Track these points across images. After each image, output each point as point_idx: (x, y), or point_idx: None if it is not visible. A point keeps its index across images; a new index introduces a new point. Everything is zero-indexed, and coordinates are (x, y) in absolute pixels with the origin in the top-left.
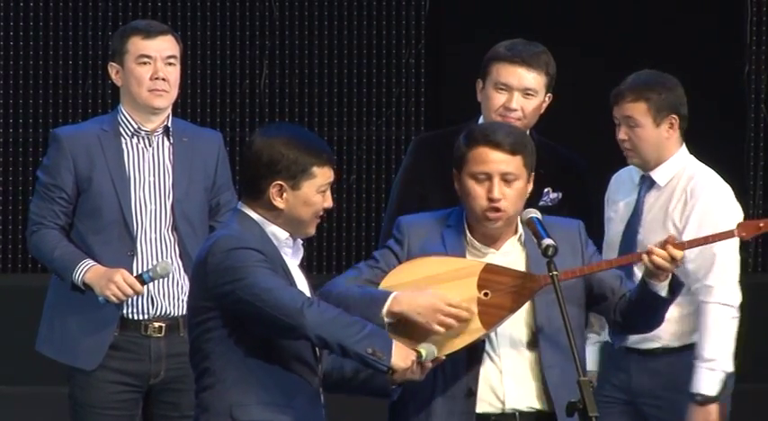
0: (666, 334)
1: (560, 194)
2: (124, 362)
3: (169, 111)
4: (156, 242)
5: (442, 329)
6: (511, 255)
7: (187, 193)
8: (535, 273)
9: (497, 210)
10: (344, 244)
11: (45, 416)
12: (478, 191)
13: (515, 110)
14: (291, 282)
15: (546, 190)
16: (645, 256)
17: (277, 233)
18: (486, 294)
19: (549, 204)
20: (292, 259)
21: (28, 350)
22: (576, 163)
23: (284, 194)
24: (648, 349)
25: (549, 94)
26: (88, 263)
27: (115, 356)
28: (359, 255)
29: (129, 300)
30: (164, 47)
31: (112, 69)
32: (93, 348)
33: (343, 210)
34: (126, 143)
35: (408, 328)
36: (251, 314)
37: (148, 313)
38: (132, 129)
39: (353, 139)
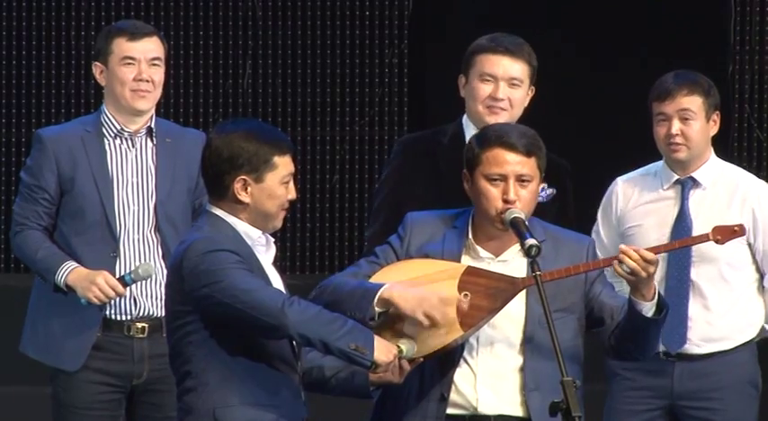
0: (717, 338)
1: (554, 190)
2: (107, 362)
3: (152, 111)
4: (138, 243)
5: (425, 319)
6: (511, 263)
7: (170, 194)
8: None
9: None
10: (327, 244)
11: (27, 416)
12: (493, 192)
13: (502, 99)
14: (267, 281)
15: (542, 185)
16: (616, 262)
17: (249, 232)
18: (465, 296)
19: (544, 200)
20: (266, 257)
21: (11, 350)
22: (562, 163)
23: (248, 188)
24: (698, 354)
25: (531, 87)
26: (71, 265)
27: (98, 357)
28: (341, 254)
29: (113, 300)
30: (148, 48)
31: (96, 69)
32: (77, 349)
33: (326, 210)
34: (109, 144)
35: (393, 324)
36: (231, 316)
37: (131, 314)
38: (115, 130)
39: (336, 139)
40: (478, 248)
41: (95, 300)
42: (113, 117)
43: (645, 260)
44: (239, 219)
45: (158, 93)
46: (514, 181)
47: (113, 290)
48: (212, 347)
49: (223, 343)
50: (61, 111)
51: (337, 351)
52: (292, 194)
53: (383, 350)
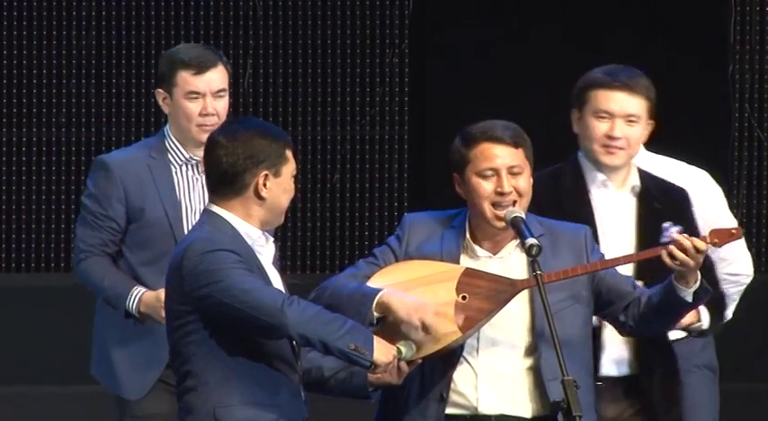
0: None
1: (681, 227)
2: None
3: None
4: None
5: (420, 325)
6: (509, 260)
7: None
8: (518, 277)
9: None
10: (327, 243)
11: (46, 415)
12: (486, 187)
13: (619, 138)
14: (267, 281)
15: (666, 225)
16: (664, 252)
17: (249, 232)
18: (464, 297)
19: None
20: (266, 256)
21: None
22: (680, 190)
23: (268, 183)
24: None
25: (650, 121)
26: (139, 290)
27: (162, 384)
28: (342, 254)
29: None
30: (213, 79)
31: (159, 96)
32: (139, 383)
33: (326, 210)
34: (176, 172)
35: (392, 327)
36: (231, 316)
37: None
38: (184, 158)
39: (337, 139)
40: (476, 247)
41: None
42: (180, 145)
43: (697, 250)
44: (247, 216)
45: (223, 121)
46: (506, 173)
47: None
48: (212, 347)
49: (223, 342)
50: (62, 111)
51: (336, 351)
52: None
53: (382, 350)
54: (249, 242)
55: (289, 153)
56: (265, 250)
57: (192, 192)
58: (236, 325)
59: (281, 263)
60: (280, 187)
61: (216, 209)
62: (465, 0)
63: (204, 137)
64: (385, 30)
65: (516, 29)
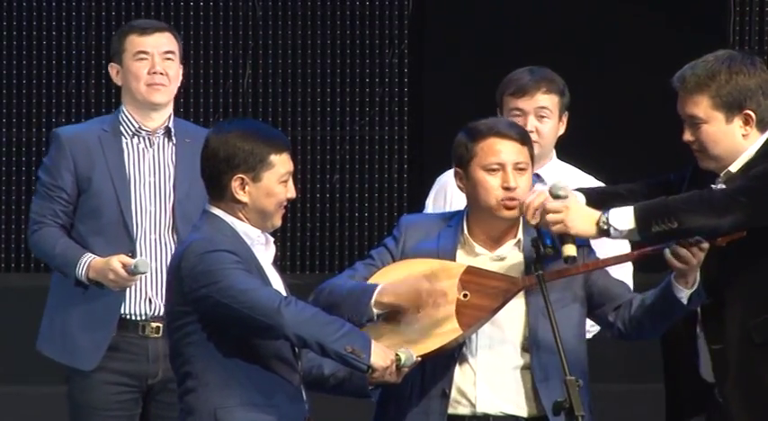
0: None
1: None
2: (123, 362)
3: (170, 111)
4: (155, 243)
5: (435, 305)
6: (506, 259)
7: (188, 195)
8: (517, 276)
9: (514, 198)
10: (327, 243)
11: (45, 416)
12: (492, 182)
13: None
14: (266, 281)
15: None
16: (667, 250)
17: (249, 232)
18: (465, 295)
19: None
20: (266, 257)
21: (26, 349)
22: None
23: (246, 187)
24: None
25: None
26: (89, 257)
27: (114, 357)
28: (342, 254)
29: (127, 300)
30: (161, 42)
31: (113, 70)
32: (92, 348)
33: (326, 210)
34: (126, 143)
35: (392, 321)
36: (229, 316)
37: (146, 314)
38: (133, 129)
39: (337, 139)
40: (474, 244)
41: (117, 289)
42: (131, 116)
43: (700, 248)
44: (238, 218)
45: (174, 87)
46: (512, 169)
47: (126, 281)
48: (212, 348)
49: (222, 343)
50: (62, 111)
51: (333, 353)
52: (291, 193)
53: (380, 354)
54: (249, 242)
55: (274, 158)
56: (265, 250)
57: (141, 164)
58: (234, 325)
59: (281, 263)
60: (260, 192)
61: (214, 210)
62: (465, 0)
63: (155, 97)
64: (385, 30)
65: (516, 30)
